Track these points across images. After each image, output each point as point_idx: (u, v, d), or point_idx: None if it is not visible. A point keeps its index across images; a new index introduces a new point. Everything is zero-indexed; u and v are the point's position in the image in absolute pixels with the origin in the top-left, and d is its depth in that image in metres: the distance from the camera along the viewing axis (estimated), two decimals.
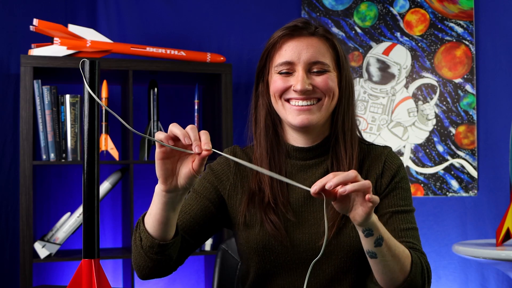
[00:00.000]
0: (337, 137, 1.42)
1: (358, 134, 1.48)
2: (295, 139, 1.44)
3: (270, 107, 1.44)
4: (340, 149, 1.41)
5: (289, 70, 1.38)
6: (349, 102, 1.43)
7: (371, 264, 1.23)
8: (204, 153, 1.06)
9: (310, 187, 1.38)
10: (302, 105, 1.37)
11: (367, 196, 1.07)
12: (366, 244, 1.18)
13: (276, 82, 1.39)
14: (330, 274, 1.38)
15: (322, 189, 1.06)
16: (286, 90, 1.38)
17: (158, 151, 1.10)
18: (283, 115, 1.40)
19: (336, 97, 1.40)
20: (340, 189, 1.06)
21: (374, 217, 1.15)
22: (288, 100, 1.38)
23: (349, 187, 1.06)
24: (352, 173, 1.06)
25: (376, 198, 1.08)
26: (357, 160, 1.40)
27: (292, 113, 1.37)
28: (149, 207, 1.24)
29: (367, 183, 1.07)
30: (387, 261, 1.20)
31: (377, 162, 1.43)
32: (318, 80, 1.37)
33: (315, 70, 1.37)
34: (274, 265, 1.40)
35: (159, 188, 1.16)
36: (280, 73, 1.38)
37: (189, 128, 1.08)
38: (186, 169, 1.11)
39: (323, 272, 1.38)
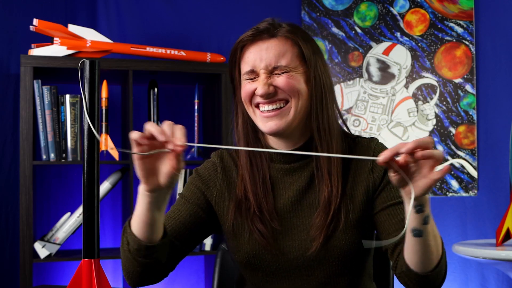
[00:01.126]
0: (323, 138, 1.37)
1: (346, 129, 1.45)
2: (276, 143, 1.41)
3: (247, 114, 1.41)
4: (323, 150, 1.36)
5: (254, 76, 1.35)
6: (323, 100, 1.37)
7: (412, 244, 1.19)
8: (178, 149, 1.04)
9: (296, 191, 1.37)
10: (269, 111, 1.33)
11: (446, 167, 1.03)
12: (415, 221, 1.13)
13: (243, 88, 1.37)
14: (323, 279, 1.36)
15: (391, 157, 1.03)
16: (252, 95, 1.35)
17: (135, 151, 1.08)
18: (256, 122, 1.37)
19: (306, 97, 1.35)
20: (421, 153, 1.02)
21: (427, 194, 1.11)
22: (257, 106, 1.35)
23: (428, 152, 1.02)
24: (429, 139, 1.03)
25: (446, 170, 1.05)
26: (340, 160, 1.36)
27: (261, 120, 1.35)
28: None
29: (440, 152, 1.04)
30: (429, 241, 1.17)
31: (366, 155, 1.39)
32: (279, 81, 1.33)
33: (277, 72, 1.34)
34: (266, 274, 1.38)
35: (142, 189, 1.14)
36: (246, 79, 1.37)
37: (165, 124, 1.07)
38: (166, 167, 1.10)
39: (315, 277, 1.37)
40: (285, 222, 1.38)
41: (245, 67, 1.36)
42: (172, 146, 1.04)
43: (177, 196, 1.45)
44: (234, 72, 1.40)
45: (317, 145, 1.37)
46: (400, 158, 1.03)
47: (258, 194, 1.37)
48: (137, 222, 1.21)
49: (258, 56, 1.34)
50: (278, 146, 1.41)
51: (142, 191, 1.15)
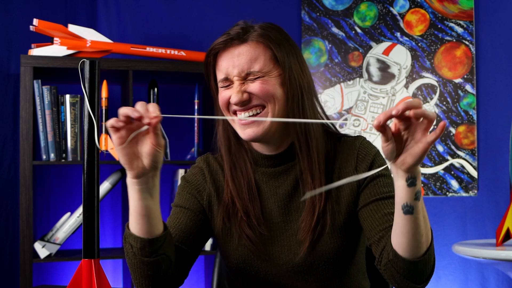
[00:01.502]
0: (305, 140, 1.34)
1: (333, 128, 1.42)
2: (260, 147, 1.39)
3: (227, 120, 1.38)
4: (308, 153, 1.34)
5: (229, 83, 1.33)
6: (299, 102, 1.34)
7: (402, 224, 1.13)
8: (153, 121, 1.05)
9: (282, 195, 1.36)
10: (246, 118, 1.31)
11: (442, 123, 0.99)
12: (406, 196, 1.09)
13: (220, 95, 1.35)
14: (314, 283, 1.35)
15: (385, 121, 1.00)
16: (228, 102, 1.33)
17: (114, 138, 1.08)
18: (235, 129, 1.35)
19: (283, 101, 1.32)
20: (414, 111, 0.98)
21: (419, 166, 1.08)
22: (235, 113, 1.33)
23: (420, 111, 0.99)
24: (418, 100, 0.99)
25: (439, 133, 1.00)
26: (323, 162, 1.34)
27: (239, 128, 1.32)
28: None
29: (433, 112, 1.00)
30: (419, 221, 1.12)
31: (350, 155, 1.37)
32: (252, 87, 1.30)
33: (250, 78, 1.31)
34: (256, 279, 1.37)
35: (129, 179, 1.14)
36: (222, 86, 1.35)
37: (137, 104, 1.08)
38: (146, 147, 1.10)
39: (306, 282, 1.35)
40: (273, 227, 1.36)
41: (219, 75, 1.35)
42: (148, 120, 1.05)
43: (172, 208, 1.43)
44: (210, 80, 1.39)
45: (297, 149, 1.34)
46: (391, 126, 1.02)
47: (244, 199, 1.35)
48: (134, 218, 1.19)
49: (231, 63, 1.31)
50: (262, 150, 1.39)
51: (130, 180, 1.14)
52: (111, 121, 1.06)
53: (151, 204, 1.17)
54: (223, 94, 1.34)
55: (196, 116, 1.26)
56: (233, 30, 1.33)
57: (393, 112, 0.98)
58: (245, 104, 1.31)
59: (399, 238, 1.16)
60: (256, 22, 1.36)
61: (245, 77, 1.31)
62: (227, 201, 1.37)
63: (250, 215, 1.35)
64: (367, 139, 1.43)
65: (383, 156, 1.12)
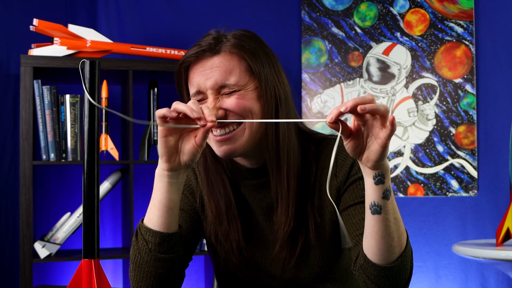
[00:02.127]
0: (274, 155, 1.27)
1: (322, 132, 1.38)
2: (241, 161, 1.32)
3: None
4: (280, 166, 1.27)
5: (202, 97, 1.25)
6: (279, 112, 1.26)
7: (371, 225, 1.09)
8: (209, 124, 1.07)
9: (266, 208, 1.32)
10: (221, 135, 1.23)
11: (390, 117, 0.97)
12: (374, 194, 1.06)
13: None
14: None
15: (338, 118, 0.98)
16: None
17: (160, 129, 1.09)
18: (211, 145, 1.28)
19: (260, 115, 1.25)
20: (360, 107, 0.96)
21: (387, 163, 1.05)
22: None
23: (369, 106, 0.96)
24: (369, 96, 0.98)
25: (395, 124, 0.98)
26: (294, 177, 1.27)
27: (215, 144, 1.25)
28: (147, 209, 1.20)
29: (385, 106, 0.98)
30: (389, 222, 1.08)
31: (329, 159, 1.30)
32: (228, 103, 1.22)
33: (225, 91, 1.23)
34: (247, 285, 1.36)
35: (161, 169, 1.14)
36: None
37: (191, 103, 1.08)
38: (189, 144, 1.11)
39: None
40: (261, 239, 1.34)
41: (191, 89, 1.27)
42: (204, 122, 1.06)
43: None
44: (183, 95, 1.31)
45: (269, 168, 1.28)
46: (351, 125, 1.00)
47: (223, 223, 1.31)
48: (158, 211, 1.17)
49: (203, 76, 1.23)
50: (244, 163, 1.33)
51: (161, 172, 1.14)
52: (163, 111, 1.07)
53: (176, 198, 1.17)
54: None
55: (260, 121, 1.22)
56: (205, 41, 1.25)
57: (342, 109, 0.97)
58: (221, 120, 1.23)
59: (368, 240, 1.12)
60: (229, 30, 1.29)
61: (219, 91, 1.23)
62: (211, 220, 1.34)
63: (229, 240, 1.31)
64: None
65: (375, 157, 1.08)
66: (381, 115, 0.98)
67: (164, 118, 1.08)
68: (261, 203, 1.33)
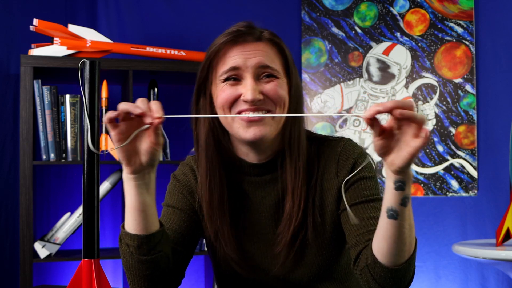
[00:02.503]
0: (285, 152, 1.29)
1: (324, 133, 1.39)
2: (247, 155, 1.31)
3: (212, 123, 1.31)
4: (290, 163, 1.28)
5: (236, 76, 1.24)
6: (300, 112, 1.31)
7: (385, 228, 1.09)
8: (156, 121, 1.02)
9: (270, 206, 1.31)
10: (253, 116, 1.23)
11: (426, 130, 0.96)
12: (392, 199, 1.05)
13: (224, 92, 1.25)
14: None
15: (375, 115, 0.96)
16: (235, 100, 1.24)
17: (112, 133, 1.05)
18: (233, 130, 1.26)
19: (286, 108, 1.27)
20: (399, 111, 0.95)
21: (410, 171, 1.04)
22: (238, 113, 1.25)
23: (408, 112, 0.95)
24: (410, 102, 0.96)
25: (429, 135, 0.97)
26: (305, 172, 1.29)
27: (242, 126, 1.24)
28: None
29: (424, 116, 0.96)
30: (404, 229, 1.07)
31: (331, 161, 1.31)
32: (268, 87, 1.24)
33: (264, 75, 1.25)
34: (246, 287, 1.36)
35: (125, 174, 1.11)
36: (226, 79, 1.25)
37: (138, 100, 1.04)
38: (145, 144, 1.07)
39: None
40: (261, 237, 1.33)
41: (224, 66, 1.25)
42: (150, 119, 1.02)
43: (162, 207, 1.38)
44: (208, 77, 1.30)
45: (287, 158, 1.29)
46: (385, 123, 0.98)
47: (213, 217, 1.30)
48: (130, 215, 1.15)
49: (243, 55, 1.24)
50: (249, 157, 1.32)
51: (126, 175, 1.11)
52: (109, 114, 1.02)
53: (148, 199, 1.14)
54: (230, 91, 1.25)
55: (203, 116, 1.21)
56: (243, 27, 1.27)
57: (380, 108, 0.96)
58: (257, 104, 1.23)
59: (380, 243, 1.11)
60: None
61: (258, 74, 1.24)
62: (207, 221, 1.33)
63: (223, 236, 1.30)
64: (367, 139, 1.40)
65: (373, 153, 1.09)
66: (417, 123, 0.97)
67: (112, 122, 1.03)
68: (264, 200, 1.32)
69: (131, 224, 1.17)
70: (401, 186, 1.03)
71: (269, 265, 1.33)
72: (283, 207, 1.30)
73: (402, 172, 1.02)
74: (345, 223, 1.27)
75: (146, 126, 1.04)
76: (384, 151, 1.01)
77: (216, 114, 1.30)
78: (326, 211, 1.31)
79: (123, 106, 1.03)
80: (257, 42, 1.26)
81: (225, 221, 1.30)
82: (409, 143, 0.98)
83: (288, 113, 1.28)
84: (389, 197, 1.06)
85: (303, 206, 1.27)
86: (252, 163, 1.32)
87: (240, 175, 1.34)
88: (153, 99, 2.65)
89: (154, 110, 1.03)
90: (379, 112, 0.96)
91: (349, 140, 1.34)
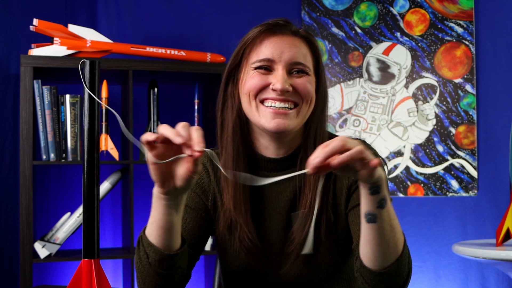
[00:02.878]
0: (306, 148, 1.30)
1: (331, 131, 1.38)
2: (266, 148, 1.32)
3: (240, 110, 1.31)
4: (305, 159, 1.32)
5: (268, 66, 1.26)
6: (323, 112, 1.33)
7: (366, 233, 1.09)
8: (196, 154, 0.97)
9: (285, 202, 1.31)
10: (278, 107, 1.24)
11: (371, 163, 0.97)
12: (368, 204, 1.05)
13: (253, 78, 1.27)
14: None
15: (318, 166, 0.96)
16: (263, 88, 1.26)
17: (149, 154, 1.00)
18: (256, 119, 1.27)
19: (313, 104, 1.29)
20: (333, 162, 0.95)
21: (382, 173, 1.04)
22: (262, 102, 1.26)
23: (336, 161, 0.95)
24: (339, 142, 0.96)
25: (377, 161, 0.97)
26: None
27: (266, 116, 1.25)
28: (148, 217, 1.16)
29: (358, 150, 0.96)
30: (385, 230, 1.07)
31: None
32: (298, 81, 1.26)
33: (295, 71, 1.27)
34: (254, 286, 1.35)
35: (157, 191, 1.08)
36: (257, 68, 1.27)
37: (180, 126, 0.99)
38: (182, 169, 1.03)
39: None
40: (273, 234, 1.33)
41: (259, 55, 1.27)
42: (190, 152, 0.97)
43: None
44: (240, 63, 1.30)
45: (308, 154, 1.29)
46: (334, 162, 0.96)
47: (237, 207, 1.29)
48: (155, 230, 1.13)
49: (280, 47, 1.26)
50: (267, 151, 1.33)
51: (157, 194, 1.08)
52: (147, 136, 0.98)
53: (175, 219, 1.12)
54: (260, 79, 1.26)
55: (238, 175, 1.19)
56: (281, 20, 1.29)
57: (311, 164, 0.96)
58: (285, 95, 1.25)
59: (364, 247, 1.12)
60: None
61: (290, 68, 1.26)
62: (227, 208, 1.31)
63: (244, 226, 1.29)
64: (367, 139, 1.40)
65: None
66: (359, 159, 0.97)
67: (150, 144, 0.99)
68: (279, 197, 1.32)
69: (154, 238, 1.15)
70: (376, 190, 1.03)
71: (279, 262, 1.32)
72: (298, 204, 1.30)
73: (373, 180, 1.02)
74: (351, 222, 1.28)
75: (184, 155, 0.99)
76: (351, 173, 1.01)
77: (240, 100, 1.31)
78: (338, 210, 1.31)
79: (163, 130, 0.99)
80: (293, 36, 1.29)
81: (248, 208, 1.30)
82: (363, 166, 0.98)
83: (314, 110, 1.30)
84: (366, 202, 1.06)
85: (319, 205, 1.28)
86: (269, 158, 1.32)
87: (257, 169, 1.33)
88: (153, 99, 2.65)
89: (194, 138, 0.97)
90: (323, 167, 0.96)
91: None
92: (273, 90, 1.25)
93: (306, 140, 1.31)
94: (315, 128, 1.31)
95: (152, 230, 1.14)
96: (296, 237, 1.28)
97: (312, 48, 1.31)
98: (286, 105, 1.25)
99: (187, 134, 0.98)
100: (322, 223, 1.28)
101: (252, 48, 1.28)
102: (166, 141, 0.99)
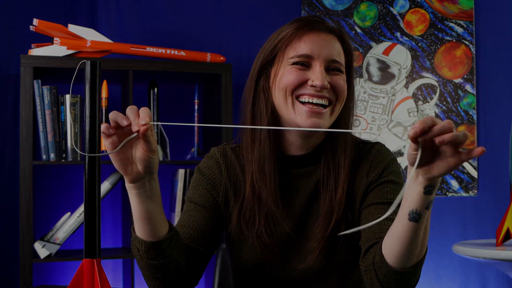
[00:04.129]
0: (334, 145, 1.31)
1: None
2: (291, 145, 1.32)
3: (273, 105, 1.30)
4: (335, 158, 1.30)
5: (306, 62, 1.27)
6: (351, 111, 1.35)
7: (402, 230, 1.07)
8: (142, 128, 1.00)
9: (304, 197, 1.31)
10: (316, 104, 1.25)
11: (475, 151, 0.91)
12: (418, 202, 1.02)
13: (291, 74, 1.26)
14: None
15: (420, 134, 0.92)
16: (300, 84, 1.26)
17: (106, 143, 1.04)
18: (291, 116, 1.27)
19: (344, 103, 1.31)
20: (438, 139, 0.91)
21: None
22: (298, 98, 1.26)
23: (447, 136, 0.91)
24: (448, 123, 0.92)
25: (482, 149, 0.92)
26: (348, 170, 1.30)
27: (302, 114, 1.25)
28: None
29: (465, 135, 0.92)
30: (421, 231, 1.07)
31: (365, 162, 1.33)
32: (335, 79, 1.27)
33: (332, 69, 1.28)
34: (266, 283, 1.34)
35: (126, 183, 1.11)
36: (295, 64, 1.27)
37: (128, 109, 1.03)
38: (139, 152, 1.06)
39: None
40: (294, 229, 1.32)
41: (298, 50, 1.27)
42: (137, 127, 1.00)
43: (185, 201, 1.37)
44: (275, 58, 1.30)
45: (334, 153, 1.31)
46: (436, 140, 0.93)
47: (268, 201, 1.29)
48: (136, 222, 1.16)
49: (318, 44, 1.27)
50: (292, 148, 1.33)
51: (126, 184, 1.11)
52: (102, 127, 1.03)
53: (152, 207, 1.13)
54: (299, 74, 1.26)
55: (197, 125, 1.21)
56: (316, 17, 1.32)
57: (430, 134, 0.93)
58: (323, 92, 1.26)
59: (394, 244, 1.10)
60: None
61: (327, 65, 1.28)
62: (248, 197, 1.30)
63: (275, 219, 1.29)
64: (367, 139, 1.40)
65: (407, 161, 1.07)
66: (458, 144, 0.94)
67: (105, 134, 1.03)
68: (298, 192, 1.32)
69: (138, 229, 1.18)
70: (430, 190, 1.02)
71: (292, 259, 1.32)
72: (318, 201, 1.31)
73: (436, 180, 1.01)
74: (363, 220, 1.28)
75: (135, 134, 1.02)
76: (421, 162, 0.98)
77: (272, 94, 1.30)
78: (355, 209, 1.31)
79: (112, 115, 1.03)
80: (329, 34, 1.30)
81: (279, 205, 1.29)
82: (448, 159, 0.96)
83: (344, 108, 1.31)
84: (415, 200, 1.03)
85: (344, 202, 1.28)
86: (291, 155, 1.33)
87: (282, 165, 1.33)
88: (153, 99, 2.65)
89: (141, 116, 1.01)
90: (424, 134, 0.93)
91: (384, 145, 1.37)
92: (312, 86, 1.25)
93: (333, 137, 1.32)
94: (347, 127, 1.34)
95: (135, 223, 1.17)
96: (319, 234, 1.28)
97: (346, 47, 1.33)
98: (322, 102, 1.26)
99: (134, 114, 1.02)
100: (343, 221, 1.29)
101: (289, 43, 1.28)
102: (117, 126, 1.03)
